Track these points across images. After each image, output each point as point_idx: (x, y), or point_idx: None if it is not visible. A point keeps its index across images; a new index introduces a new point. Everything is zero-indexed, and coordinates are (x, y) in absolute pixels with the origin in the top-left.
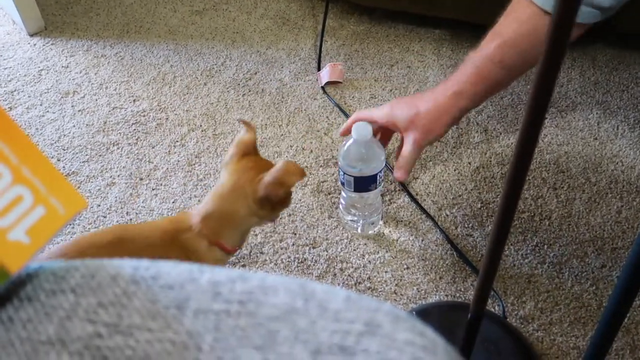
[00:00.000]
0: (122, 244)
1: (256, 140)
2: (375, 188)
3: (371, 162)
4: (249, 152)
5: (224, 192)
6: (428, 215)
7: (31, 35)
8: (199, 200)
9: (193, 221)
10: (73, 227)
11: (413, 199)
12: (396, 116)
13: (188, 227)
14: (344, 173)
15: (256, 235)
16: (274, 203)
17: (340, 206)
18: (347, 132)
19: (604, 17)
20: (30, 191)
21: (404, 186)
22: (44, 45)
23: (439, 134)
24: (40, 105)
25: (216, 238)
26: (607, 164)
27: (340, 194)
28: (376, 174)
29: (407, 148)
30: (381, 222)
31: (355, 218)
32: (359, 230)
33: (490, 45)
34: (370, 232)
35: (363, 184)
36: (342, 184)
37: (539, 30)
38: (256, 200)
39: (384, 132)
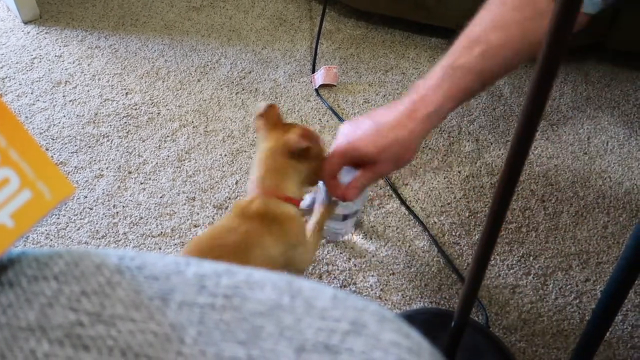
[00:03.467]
0: (218, 246)
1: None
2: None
3: (358, 201)
4: (276, 121)
5: (266, 156)
6: (419, 220)
7: (25, 23)
8: (187, 197)
9: (251, 192)
10: (58, 218)
11: (404, 204)
12: (366, 152)
13: (251, 199)
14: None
15: None
16: (306, 153)
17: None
18: (337, 189)
19: (603, 6)
20: (17, 174)
21: (395, 191)
22: (37, 33)
23: (409, 159)
24: (31, 93)
25: (278, 192)
26: (596, 179)
27: None
28: (361, 208)
29: (367, 174)
30: (362, 216)
31: (339, 226)
32: (341, 238)
33: (472, 53)
34: (350, 232)
35: (351, 215)
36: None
37: (528, 35)
38: (291, 150)
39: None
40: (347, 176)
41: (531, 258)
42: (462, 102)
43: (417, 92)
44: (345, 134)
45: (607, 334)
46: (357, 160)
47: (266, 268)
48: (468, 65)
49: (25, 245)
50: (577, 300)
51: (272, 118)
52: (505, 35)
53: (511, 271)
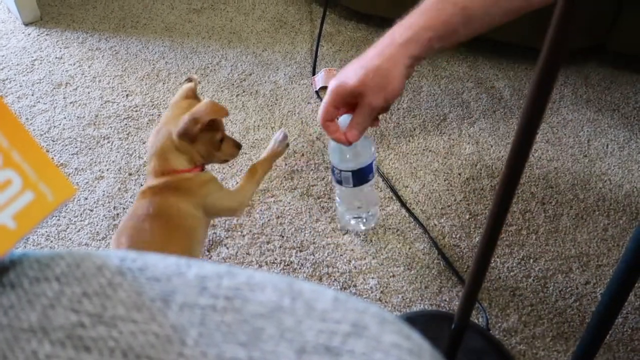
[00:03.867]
0: (141, 226)
1: (196, 87)
2: (373, 176)
3: (365, 152)
4: (190, 96)
5: (159, 128)
6: (419, 222)
7: (26, 25)
8: None
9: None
10: (59, 219)
11: (404, 206)
12: (349, 85)
13: (149, 183)
14: (340, 171)
15: (243, 236)
16: (193, 138)
17: (339, 208)
18: (337, 133)
19: None
20: (19, 176)
21: (395, 193)
22: (38, 35)
23: (395, 89)
24: (32, 95)
25: (167, 171)
26: (596, 182)
27: (334, 198)
28: (372, 162)
29: (360, 110)
30: (378, 213)
31: (357, 214)
32: (363, 227)
33: None
34: (372, 224)
35: (361, 176)
36: (339, 182)
37: None
38: (177, 134)
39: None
40: (343, 121)
41: (531, 260)
42: (444, 38)
43: (401, 19)
44: (336, 77)
45: (607, 336)
46: (347, 98)
47: (193, 223)
48: None
49: (25, 246)
50: (578, 303)
51: (185, 92)
52: None
53: (511, 274)
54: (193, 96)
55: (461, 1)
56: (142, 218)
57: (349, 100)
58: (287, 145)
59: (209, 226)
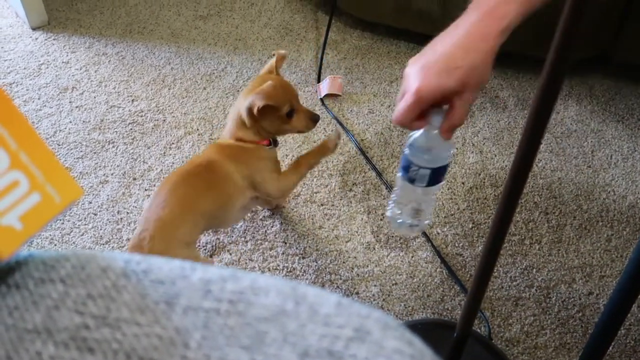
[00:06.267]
0: (192, 168)
1: (279, 64)
2: (444, 180)
3: (446, 151)
4: (271, 72)
5: (235, 105)
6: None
7: (34, 29)
8: None
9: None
10: (62, 223)
11: None
12: (446, 88)
13: (222, 139)
14: (419, 167)
15: (246, 242)
16: (254, 118)
17: (395, 210)
18: (417, 122)
19: None
20: (26, 177)
21: None
22: (45, 39)
23: (488, 80)
24: (38, 99)
25: (237, 134)
26: (599, 193)
27: (387, 205)
28: (448, 164)
29: (460, 105)
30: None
31: (412, 220)
32: (414, 233)
33: None
34: (422, 230)
35: (438, 175)
36: (412, 180)
37: None
38: (242, 113)
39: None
40: (436, 118)
41: (534, 270)
42: (528, 14)
43: (480, 7)
44: (417, 77)
45: (610, 348)
46: (439, 100)
47: (232, 190)
48: None
49: (29, 249)
50: (580, 314)
51: (269, 68)
52: None
53: (514, 283)
54: (274, 71)
55: None
56: (197, 164)
57: (437, 102)
58: (337, 145)
59: (254, 203)
